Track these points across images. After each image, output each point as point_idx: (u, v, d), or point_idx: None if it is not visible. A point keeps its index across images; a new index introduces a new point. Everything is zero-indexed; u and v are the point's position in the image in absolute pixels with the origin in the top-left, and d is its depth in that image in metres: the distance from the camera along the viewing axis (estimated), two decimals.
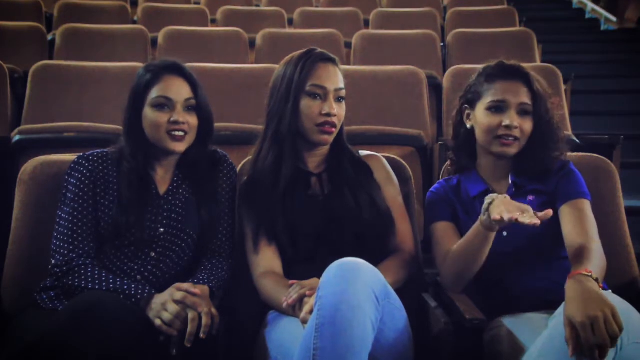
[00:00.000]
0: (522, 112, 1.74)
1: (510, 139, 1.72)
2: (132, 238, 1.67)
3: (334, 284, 1.37)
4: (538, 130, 1.75)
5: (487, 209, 1.56)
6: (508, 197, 1.59)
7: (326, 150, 1.82)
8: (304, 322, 1.42)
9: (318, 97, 1.72)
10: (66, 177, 1.72)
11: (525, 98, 1.74)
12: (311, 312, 1.40)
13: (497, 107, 1.74)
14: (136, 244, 1.67)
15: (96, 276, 1.59)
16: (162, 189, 1.76)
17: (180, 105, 1.70)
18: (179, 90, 1.70)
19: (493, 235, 1.63)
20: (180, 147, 1.70)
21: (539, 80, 1.78)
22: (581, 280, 1.41)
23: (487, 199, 1.59)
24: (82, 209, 1.68)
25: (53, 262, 1.64)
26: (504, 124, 1.72)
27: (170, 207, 1.73)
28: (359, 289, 1.37)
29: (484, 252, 1.65)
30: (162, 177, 1.77)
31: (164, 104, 1.69)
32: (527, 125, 1.74)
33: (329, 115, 1.71)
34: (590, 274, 1.43)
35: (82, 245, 1.65)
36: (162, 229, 1.70)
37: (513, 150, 1.74)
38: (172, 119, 1.68)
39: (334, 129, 1.73)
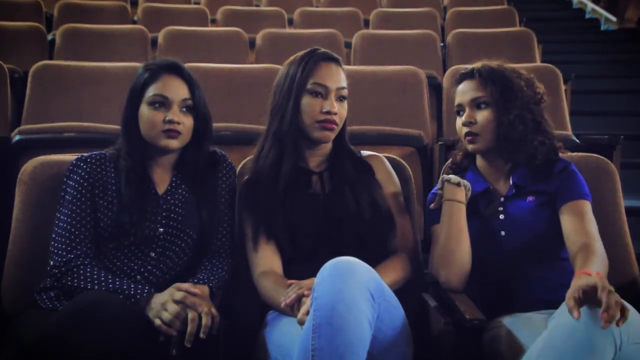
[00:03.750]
0: (478, 105, 1.78)
1: (471, 135, 1.77)
2: (132, 238, 1.67)
3: (329, 284, 1.38)
4: (497, 116, 1.75)
5: (442, 187, 1.76)
6: (460, 180, 1.75)
7: (327, 149, 1.82)
8: (301, 323, 1.42)
9: (319, 95, 1.72)
10: (65, 180, 1.72)
11: (475, 93, 1.78)
12: (308, 312, 1.40)
13: (459, 111, 1.82)
14: (136, 243, 1.67)
15: (95, 276, 1.59)
16: (161, 188, 1.76)
17: (176, 105, 1.69)
18: (177, 90, 1.70)
19: (455, 206, 1.73)
20: (174, 144, 1.70)
21: (500, 69, 1.79)
22: (590, 277, 1.40)
23: (445, 177, 1.77)
24: (81, 210, 1.68)
25: (51, 263, 1.64)
26: (462, 122, 1.79)
27: (169, 207, 1.73)
28: (354, 287, 1.37)
29: (459, 228, 1.71)
30: (161, 177, 1.77)
31: (160, 103, 1.69)
32: (483, 115, 1.76)
33: (329, 113, 1.71)
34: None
35: (80, 246, 1.65)
36: (161, 229, 1.70)
37: (478, 145, 1.78)
38: (167, 118, 1.68)
39: (334, 126, 1.74)
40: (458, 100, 1.82)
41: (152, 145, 1.71)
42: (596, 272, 1.45)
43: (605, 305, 1.28)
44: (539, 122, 1.78)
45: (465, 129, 1.78)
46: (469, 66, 1.84)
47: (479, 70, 1.80)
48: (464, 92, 1.81)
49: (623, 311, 1.29)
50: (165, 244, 1.70)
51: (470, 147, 1.79)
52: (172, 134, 1.68)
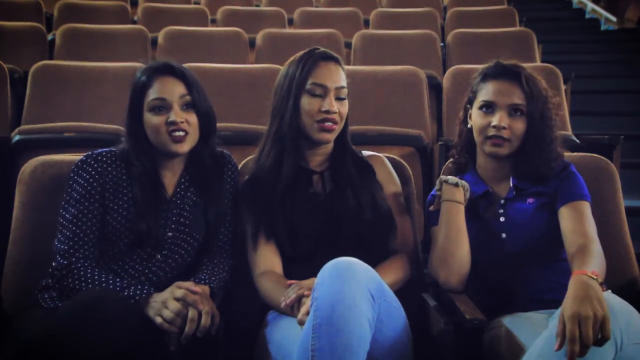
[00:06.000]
0: (513, 112, 1.73)
1: (500, 139, 1.72)
2: (143, 243, 1.66)
3: (329, 284, 1.37)
4: (530, 131, 1.74)
5: (440, 188, 1.75)
6: (458, 181, 1.73)
7: (329, 149, 1.82)
8: (301, 323, 1.42)
9: (318, 95, 1.72)
10: (73, 176, 1.69)
11: (516, 99, 1.73)
12: (308, 313, 1.40)
13: (488, 108, 1.75)
14: (143, 246, 1.67)
15: (95, 277, 1.59)
16: (170, 190, 1.74)
17: (176, 104, 1.68)
18: (173, 90, 1.69)
19: (454, 206, 1.71)
20: (183, 147, 1.69)
21: (536, 80, 1.77)
22: (586, 280, 1.39)
23: (443, 178, 1.75)
24: (88, 211, 1.66)
25: (54, 264, 1.64)
26: (492, 124, 1.73)
27: (179, 212, 1.72)
28: (354, 287, 1.37)
29: (458, 228, 1.70)
30: (170, 179, 1.75)
31: (160, 107, 1.67)
32: (518, 125, 1.73)
33: (328, 112, 1.71)
34: (596, 278, 1.41)
35: (83, 249, 1.63)
36: (170, 233, 1.69)
37: (504, 150, 1.74)
38: (169, 120, 1.66)
39: (334, 126, 1.73)
40: (492, 97, 1.74)
41: (161, 150, 1.70)
42: (592, 271, 1.44)
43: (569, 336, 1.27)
44: (556, 137, 1.78)
45: (493, 131, 1.72)
46: (511, 62, 1.77)
47: (525, 77, 1.74)
48: (503, 92, 1.73)
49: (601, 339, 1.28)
50: (172, 247, 1.70)
51: (492, 149, 1.74)
52: (178, 137, 1.67)
